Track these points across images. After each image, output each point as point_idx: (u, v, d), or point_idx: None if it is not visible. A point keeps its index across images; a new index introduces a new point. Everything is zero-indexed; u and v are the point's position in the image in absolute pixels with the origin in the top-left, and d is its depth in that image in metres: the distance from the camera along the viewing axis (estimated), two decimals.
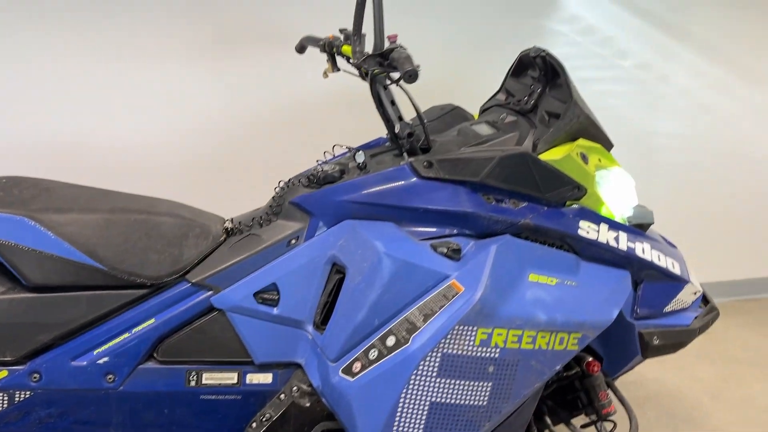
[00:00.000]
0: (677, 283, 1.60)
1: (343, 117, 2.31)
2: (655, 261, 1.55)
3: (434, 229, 1.41)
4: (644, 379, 2.55)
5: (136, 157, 2.13)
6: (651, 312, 1.55)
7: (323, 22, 2.00)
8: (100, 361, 1.36)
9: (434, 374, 1.28)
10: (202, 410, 1.43)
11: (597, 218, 1.50)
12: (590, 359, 1.52)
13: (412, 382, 1.27)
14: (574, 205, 1.49)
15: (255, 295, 1.40)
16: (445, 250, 1.35)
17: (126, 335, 1.37)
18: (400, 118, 1.46)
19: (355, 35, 1.50)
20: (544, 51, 1.57)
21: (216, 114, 2.21)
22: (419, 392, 1.28)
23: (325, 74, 1.68)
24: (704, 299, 1.77)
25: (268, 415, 1.43)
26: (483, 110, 1.74)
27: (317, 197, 1.44)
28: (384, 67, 1.34)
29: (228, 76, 2.19)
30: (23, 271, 1.31)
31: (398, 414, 1.28)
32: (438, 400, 1.29)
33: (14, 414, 1.34)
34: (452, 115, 1.73)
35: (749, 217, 3.00)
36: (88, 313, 1.35)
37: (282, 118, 2.27)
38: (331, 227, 1.44)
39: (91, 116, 2.08)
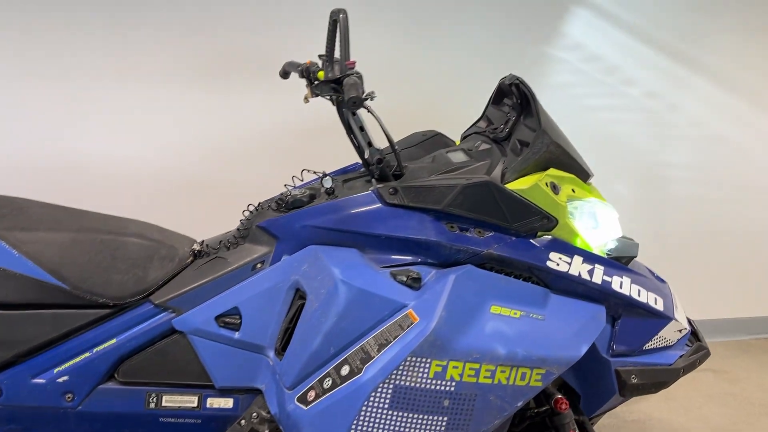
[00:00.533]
0: (659, 319, 1.53)
1: (331, 141, 2.32)
2: (634, 296, 1.49)
3: (397, 257, 1.39)
4: (648, 419, 2.45)
5: (130, 176, 2.17)
6: (629, 349, 1.49)
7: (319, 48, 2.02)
8: (60, 380, 1.37)
9: (386, 406, 1.25)
10: None
11: (570, 250, 1.46)
12: (559, 396, 1.46)
13: (363, 413, 1.24)
14: (546, 236, 1.45)
15: (217, 318, 1.40)
16: (405, 279, 1.32)
17: (87, 354, 1.38)
18: (370, 144, 1.45)
19: (326, 61, 1.50)
20: (517, 79, 1.54)
21: (215, 135, 2.23)
22: (371, 424, 1.25)
23: (306, 99, 1.68)
24: (695, 337, 1.70)
25: None
26: (464, 137, 1.72)
27: (283, 222, 1.44)
28: (338, 93, 1.34)
29: (227, 98, 2.22)
30: None
31: None
32: None
33: None
34: (433, 141, 1.71)
35: None
36: (50, 332, 1.36)
37: (281, 141, 2.28)
38: (295, 252, 1.43)
39: (88, 135, 2.13)
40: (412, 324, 1.26)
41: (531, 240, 1.43)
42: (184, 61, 2.14)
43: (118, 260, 1.42)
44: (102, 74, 2.09)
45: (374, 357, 1.26)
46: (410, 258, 1.38)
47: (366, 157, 1.45)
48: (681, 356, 1.58)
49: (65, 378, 1.37)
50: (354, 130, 1.45)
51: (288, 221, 1.43)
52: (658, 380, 1.52)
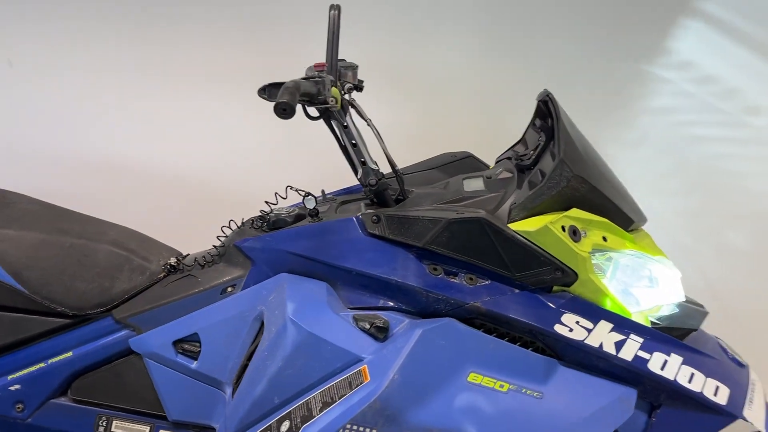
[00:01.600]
0: (718, 416, 1.17)
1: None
2: (682, 381, 1.15)
3: (370, 299, 1.17)
4: None
5: (154, 181, 2.11)
6: None
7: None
8: (12, 388, 1.29)
9: None
10: None
11: (594, 313, 1.15)
12: None
13: None
14: (565, 293, 1.16)
15: (175, 343, 1.26)
16: (368, 326, 1.10)
17: (41, 365, 1.30)
18: (364, 163, 1.25)
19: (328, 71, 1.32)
20: (548, 94, 1.26)
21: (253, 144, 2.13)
22: None
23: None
24: None
25: None
26: (497, 161, 1.46)
27: (260, 244, 1.27)
28: (313, 103, 1.14)
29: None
30: None
31: None
32: None
33: None
34: (462, 164, 1.47)
35: None
36: (7, 336, 1.30)
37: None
38: (268, 279, 1.26)
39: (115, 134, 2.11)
40: (362, 384, 1.04)
41: (539, 296, 1.14)
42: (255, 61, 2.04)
43: (85, 267, 1.32)
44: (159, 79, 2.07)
45: (315, 417, 1.05)
46: (383, 301, 1.15)
47: (358, 177, 1.25)
48: None
49: (17, 387, 1.29)
50: (345, 145, 1.25)
51: (264, 243, 1.26)
52: None
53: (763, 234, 2.19)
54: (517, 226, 1.12)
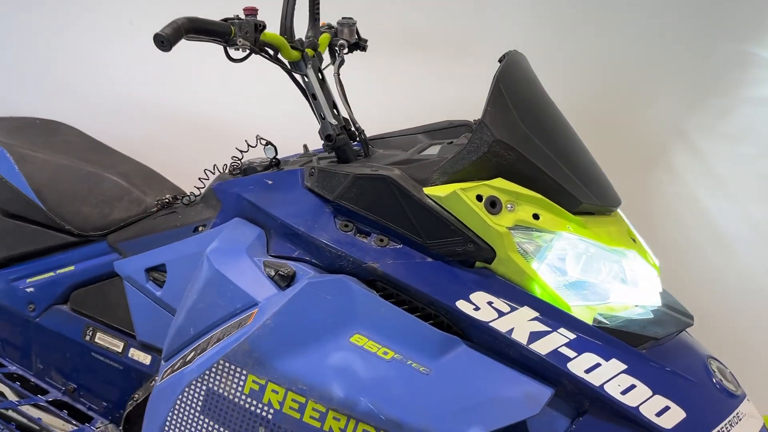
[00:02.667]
0: None
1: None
2: (611, 390, 0.99)
3: (290, 248, 1.17)
4: None
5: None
6: None
7: None
8: (28, 290, 1.50)
9: (198, 408, 1.07)
10: (92, 367, 1.47)
11: (517, 298, 1.04)
12: None
13: (177, 406, 1.09)
14: (486, 270, 1.06)
15: (147, 270, 1.37)
16: (273, 273, 1.11)
17: (51, 274, 1.49)
18: (322, 117, 1.24)
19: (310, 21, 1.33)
20: (508, 53, 1.14)
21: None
22: (182, 422, 1.09)
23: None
24: None
25: (136, 397, 1.39)
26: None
27: (225, 188, 1.33)
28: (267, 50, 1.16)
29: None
30: None
31: None
32: None
33: None
34: (455, 131, 1.40)
35: None
36: (29, 245, 1.51)
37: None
38: (228, 221, 1.32)
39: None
40: (245, 325, 1.05)
41: (454, 269, 1.06)
42: None
43: (93, 194, 1.49)
44: None
45: (206, 350, 1.09)
46: (299, 253, 1.15)
47: (318, 130, 1.25)
48: None
49: (32, 290, 1.49)
50: (307, 96, 1.26)
51: (228, 188, 1.32)
52: None
53: None
54: (431, 191, 1.05)
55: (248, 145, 1.34)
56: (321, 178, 1.15)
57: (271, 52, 1.18)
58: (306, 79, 1.24)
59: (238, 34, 1.08)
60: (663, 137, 1.91)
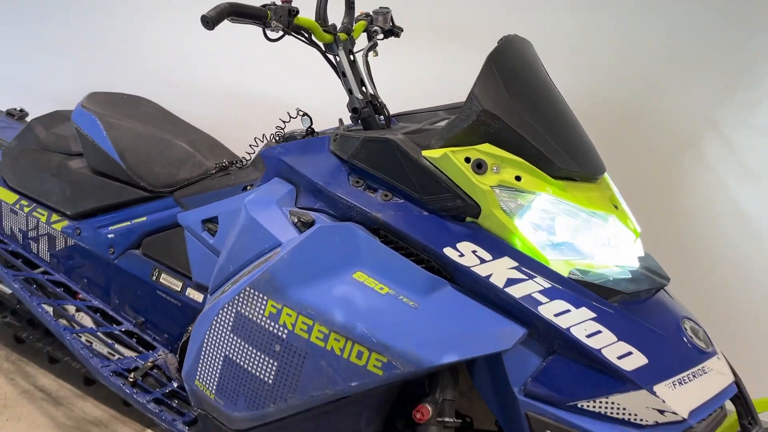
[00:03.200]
0: (617, 380, 1.13)
1: None
2: (578, 334, 1.13)
3: (313, 202, 1.37)
4: None
5: None
6: (549, 395, 1.14)
7: None
8: (109, 236, 1.78)
9: (228, 328, 1.29)
10: (156, 304, 1.73)
11: (499, 249, 1.19)
12: (421, 404, 1.22)
13: (212, 327, 1.32)
14: (473, 224, 1.22)
15: (203, 222, 1.61)
16: (296, 220, 1.31)
17: (127, 223, 1.76)
18: (350, 92, 1.44)
19: (347, 8, 1.53)
20: (506, 36, 1.29)
21: None
22: (216, 341, 1.32)
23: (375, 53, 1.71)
24: None
25: (190, 329, 1.63)
26: None
27: (269, 153, 1.55)
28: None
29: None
30: (86, 155, 1.82)
31: (203, 354, 1.35)
32: (230, 356, 1.30)
33: (65, 252, 1.88)
34: None
35: None
36: (112, 198, 1.79)
37: None
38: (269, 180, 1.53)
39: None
40: (269, 260, 1.26)
41: (446, 222, 1.22)
42: None
43: (164, 157, 1.75)
44: None
45: (239, 282, 1.31)
46: (320, 205, 1.34)
47: (347, 104, 1.45)
48: None
49: (112, 236, 1.78)
50: (338, 74, 1.45)
51: (271, 153, 1.54)
52: None
53: None
54: (428, 153, 1.22)
55: (290, 116, 1.55)
56: (341, 142, 1.34)
57: (306, 35, 1.39)
58: (337, 59, 1.44)
59: (273, 18, 1.29)
60: (693, 127, 1.97)
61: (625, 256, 1.25)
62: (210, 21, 1.22)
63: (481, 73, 1.21)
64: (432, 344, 1.14)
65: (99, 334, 1.76)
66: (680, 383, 1.15)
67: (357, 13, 1.61)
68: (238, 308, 1.27)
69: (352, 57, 1.49)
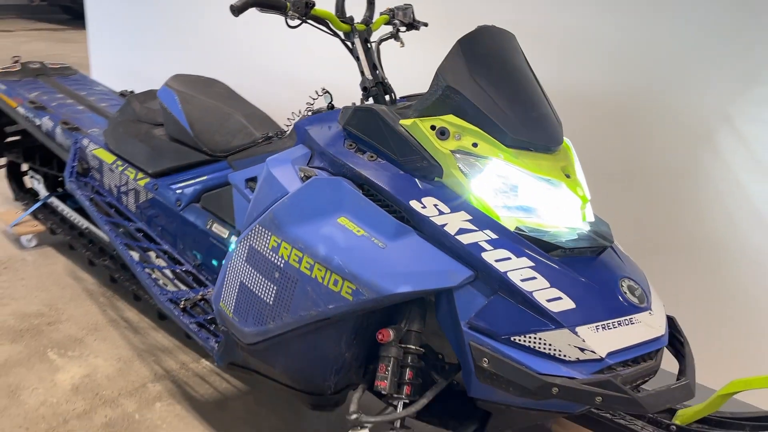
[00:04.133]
0: (543, 319, 1.32)
1: None
2: (515, 278, 1.33)
3: (320, 162, 1.65)
4: None
5: None
6: (488, 329, 1.35)
7: None
8: (177, 191, 2.17)
9: (244, 259, 1.61)
10: (210, 249, 2.09)
11: (457, 204, 1.42)
12: (383, 329, 1.46)
13: (233, 259, 1.64)
14: (439, 182, 1.45)
15: (246, 180, 1.94)
16: (302, 175, 1.60)
17: (192, 181, 2.14)
18: (362, 73, 1.72)
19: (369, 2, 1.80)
20: (481, 26, 1.51)
21: None
22: (235, 269, 1.64)
23: (401, 43, 1.97)
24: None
25: None
26: None
27: (299, 125, 1.85)
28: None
29: None
30: (165, 125, 2.21)
31: (225, 281, 1.67)
32: (244, 281, 1.61)
33: (145, 205, 2.28)
34: None
35: None
36: (182, 160, 2.17)
37: None
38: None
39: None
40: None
41: (416, 180, 1.46)
42: None
43: (223, 127, 2.10)
44: None
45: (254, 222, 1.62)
46: (324, 165, 1.62)
47: (360, 84, 1.72)
48: (569, 377, 1.31)
49: (180, 191, 2.16)
50: (353, 58, 1.73)
51: (300, 125, 1.84)
52: (514, 380, 1.32)
53: None
54: (403, 122, 1.47)
55: (317, 94, 1.84)
56: (343, 113, 1.62)
57: (325, 24, 1.68)
58: (353, 46, 1.71)
59: (291, 8, 1.59)
60: (710, 121, 2.07)
61: (572, 219, 1.43)
62: (236, 9, 1.55)
63: (448, 54, 1.45)
64: (392, 277, 1.38)
65: (165, 271, 2.14)
66: (603, 328, 1.33)
67: (383, 9, 1.88)
68: (251, 242, 1.58)
69: (368, 45, 1.75)
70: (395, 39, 1.86)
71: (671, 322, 1.55)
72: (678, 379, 1.43)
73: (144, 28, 3.98)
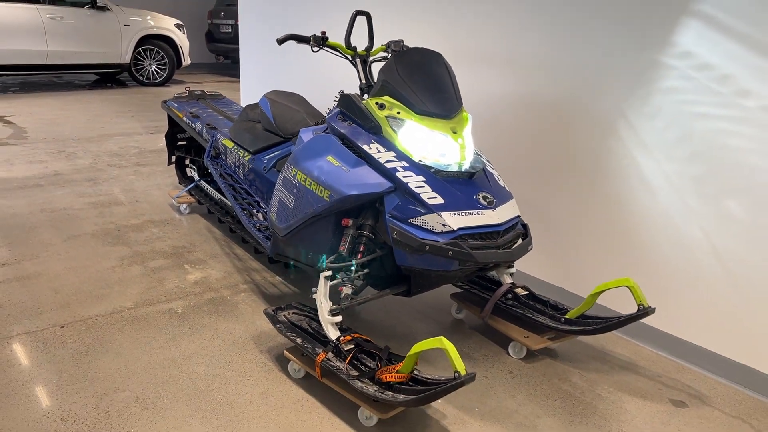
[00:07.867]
0: (423, 207, 2.34)
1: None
2: (412, 186, 2.37)
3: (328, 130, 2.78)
4: None
5: None
6: (399, 216, 2.37)
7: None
8: (265, 161, 3.41)
9: (281, 184, 2.78)
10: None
11: (388, 147, 2.48)
12: (346, 217, 2.52)
13: (277, 186, 2.82)
14: (381, 136, 2.52)
15: None
16: (313, 135, 2.75)
17: (272, 154, 3.37)
18: (360, 80, 2.85)
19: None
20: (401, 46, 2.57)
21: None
22: (277, 192, 2.81)
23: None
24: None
25: None
26: None
27: (327, 114, 3.01)
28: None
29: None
30: (261, 121, 3.48)
31: (273, 199, 2.85)
32: (281, 197, 2.78)
33: (248, 172, 3.55)
34: None
35: None
36: (269, 141, 3.42)
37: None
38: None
39: None
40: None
41: (370, 135, 2.54)
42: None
43: (292, 120, 3.33)
44: None
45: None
46: (328, 132, 2.75)
47: (358, 86, 2.86)
48: (437, 241, 2.30)
49: (266, 161, 3.40)
50: (357, 71, 2.87)
51: (330, 112, 2.99)
52: (407, 243, 2.34)
53: (755, 202, 2.51)
54: (363, 102, 2.57)
55: (337, 96, 2.99)
56: (339, 98, 2.75)
57: (336, 51, 2.84)
58: (355, 64, 2.85)
59: (312, 41, 2.76)
60: (611, 115, 2.93)
61: (453, 156, 2.43)
62: (280, 41, 2.76)
63: (387, 61, 2.54)
64: (348, 187, 2.47)
65: (254, 211, 3.38)
66: (458, 215, 2.32)
67: (384, 41, 3.01)
68: (284, 174, 2.75)
69: (366, 65, 2.88)
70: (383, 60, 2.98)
71: (525, 226, 2.49)
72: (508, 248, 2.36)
73: (270, 70, 5.46)
